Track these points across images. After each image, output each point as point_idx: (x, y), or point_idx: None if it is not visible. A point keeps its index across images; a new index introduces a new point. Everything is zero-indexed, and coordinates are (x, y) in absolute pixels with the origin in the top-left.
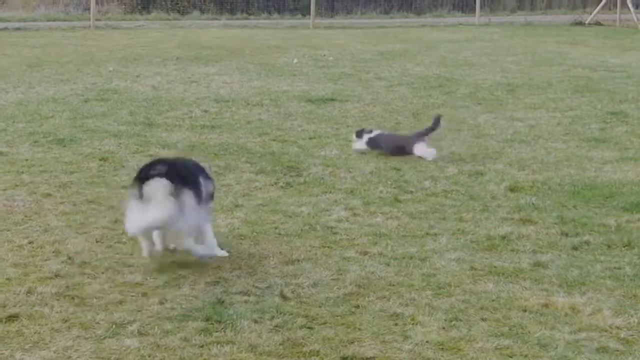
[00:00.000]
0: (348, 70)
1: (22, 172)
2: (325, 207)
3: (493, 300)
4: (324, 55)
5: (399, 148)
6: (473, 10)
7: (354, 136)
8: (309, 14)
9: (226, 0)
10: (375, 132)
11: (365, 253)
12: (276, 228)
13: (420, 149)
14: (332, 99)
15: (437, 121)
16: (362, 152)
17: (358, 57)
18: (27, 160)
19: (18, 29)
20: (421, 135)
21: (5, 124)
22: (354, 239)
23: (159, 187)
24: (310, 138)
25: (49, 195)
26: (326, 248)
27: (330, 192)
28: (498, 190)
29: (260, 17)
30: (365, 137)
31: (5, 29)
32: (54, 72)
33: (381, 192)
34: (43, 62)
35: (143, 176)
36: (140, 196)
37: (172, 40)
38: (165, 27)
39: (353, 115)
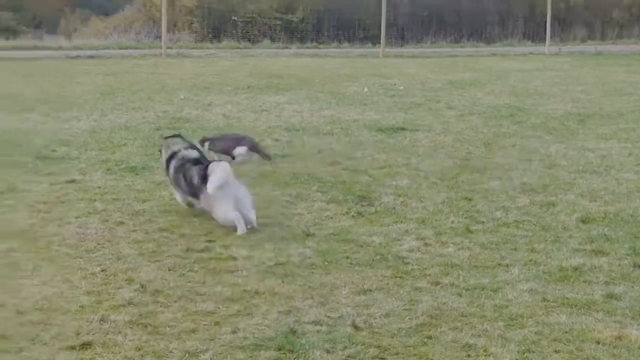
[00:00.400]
0: (418, 99)
1: (95, 200)
2: (396, 236)
3: (566, 332)
4: (394, 84)
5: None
6: (543, 39)
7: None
8: (379, 43)
9: (296, 29)
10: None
11: (437, 283)
12: (347, 257)
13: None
14: (403, 129)
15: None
16: None
17: (428, 86)
18: (99, 187)
19: (91, 56)
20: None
21: (79, 151)
22: (426, 269)
23: None
24: (381, 167)
25: (121, 223)
26: (398, 278)
27: (402, 222)
28: (570, 221)
29: (331, 46)
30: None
31: (78, 56)
32: (126, 99)
33: (452, 222)
34: (115, 90)
35: None
36: None
37: (243, 69)
38: (236, 56)
39: (424, 145)
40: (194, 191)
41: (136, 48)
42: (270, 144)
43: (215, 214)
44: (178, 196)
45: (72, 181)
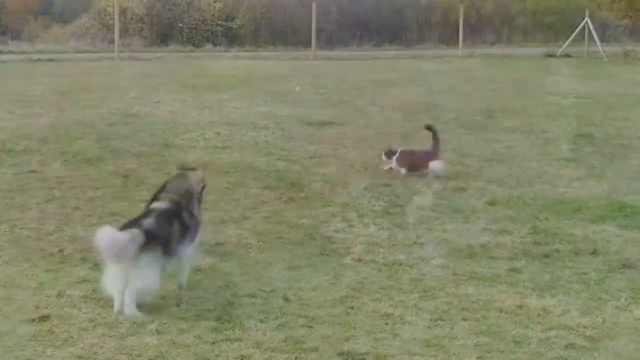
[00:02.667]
0: (345, 97)
1: (54, 188)
2: (324, 219)
3: (473, 302)
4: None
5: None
6: (456, 44)
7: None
8: (311, 46)
9: (236, 34)
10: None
11: (360, 260)
12: (280, 238)
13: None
14: (331, 123)
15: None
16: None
17: (354, 85)
18: (58, 177)
19: (51, 60)
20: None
21: (39, 145)
22: (350, 247)
23: None
24: (310, 157)
25: (77, 208)
26: (325, 256)
27: (329, 206)
28: (478, 204)
29: (267, 50)
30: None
31: (40, 60)
32: (83, 98)
33: (374, 205)
34: (73, 90)
35: None
36: None
37: (188, 70)
38: (182, 58)
39: (349, 137)
40: None
41: (92, 52)
42: (212, 137)
43: None
44: None
45: (33, 171)
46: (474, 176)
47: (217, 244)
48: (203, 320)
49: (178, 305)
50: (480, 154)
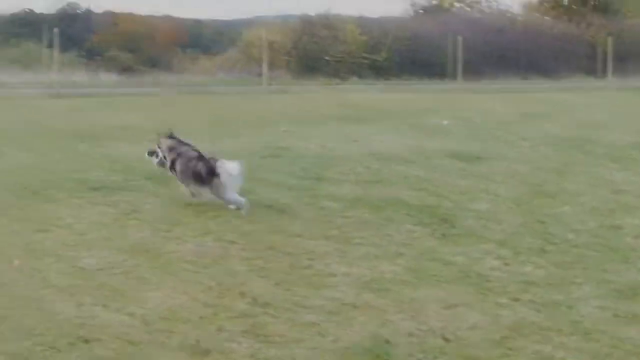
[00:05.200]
0: (493, 130)
1: (210, 221)
2: (478, 256)
3: (637, 346)
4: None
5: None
6: (605, 75)
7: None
8: (456, 79)
9: (381, 67)
10: None
11: (517, 300)
12: (434, 275)
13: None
14: (480, 157)
15: None
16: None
17: (501, 119)
18: (213, 210)
19: (200, 92)
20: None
21: None
22: (506, 286)
23: None
24: (461, 193)
25: (233, 242)
26: (481, 294)
27: (482, 243)
28: (636, 242)
29: (412, 82)
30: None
31: (189, 92)
32: (233, 130)
33: (529, 243)
34: (223, 122)
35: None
36: None
37: (334, 103)
38: (329, 91)
39: (500, 172)
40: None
41: (239, 84)
42: (362, 171)
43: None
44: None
45: (189, 204)
46: (630, 213)
47: (372, 279)
48: (359, 356)
49: (335, 342)
50: (636, 189)
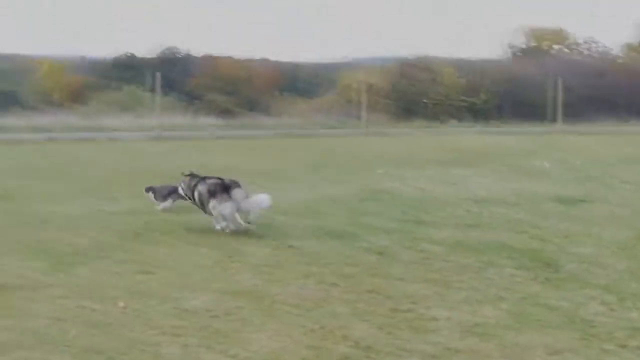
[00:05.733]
0: (594, 173)
1: (311, 264)
2: (582, 301)
3: None
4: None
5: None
6: None
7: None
8: (555, 121)
9: (479, 109)
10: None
11: (624, 346)
12: (538, 320)
13: None
14: (582, 200)
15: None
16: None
17: (603, 162)
18: (314, 252)
19: (298, 135)
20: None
21: (294, 219)
22: (612, 332)
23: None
24: (564, 236)
25: (334, 284)
26: (586, 340)
27: (586, 288)
28: None
29: (510, 125)
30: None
31: (288, 135)
32: (331, 173)
33: (634, 288)
34: (321, 165)
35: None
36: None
37: (433, 146)
38: (427, 134)
39: (602, 216)
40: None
41: (337, 127)
42: (462, 214)
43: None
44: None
45: (290, 246)
46: None
47: (475, 324)
48: None
49: None
50: None
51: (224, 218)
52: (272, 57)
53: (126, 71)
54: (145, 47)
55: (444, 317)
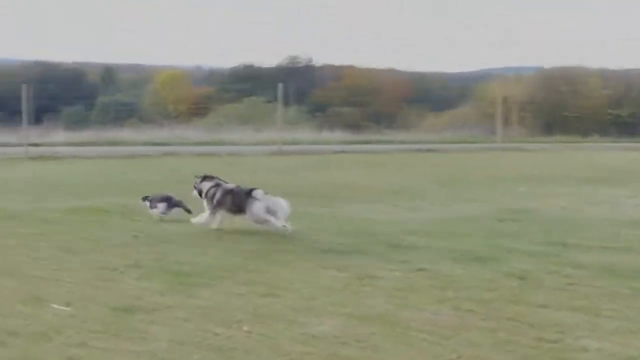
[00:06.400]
0: None
1: (445, 288)
2: None
3: None
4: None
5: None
6: None
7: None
8: None
9: (625, 123)
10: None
11: None
12: None
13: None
14: None
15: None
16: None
17: None
18: (448, 276)
19: (429, 150)
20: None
21: (426, 240)
22: None
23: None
24: None
25: (471, 311)
26: None
27: None
28: None
29: None
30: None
31: (418, 150)
32: (464, 191)
33: None
34: (453, 182)
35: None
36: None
37: (576, 162)
38: (568, 149)
39: None
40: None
41: (470, 142)
42: (610, 236)
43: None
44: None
45: (423, 269)
46: None
47: (629, 357)
48: None
49: None
50: None
51: (259, 220)
52: (399, 67)
53: (245, 82)
54: (264, 57)
55: (594, 348)
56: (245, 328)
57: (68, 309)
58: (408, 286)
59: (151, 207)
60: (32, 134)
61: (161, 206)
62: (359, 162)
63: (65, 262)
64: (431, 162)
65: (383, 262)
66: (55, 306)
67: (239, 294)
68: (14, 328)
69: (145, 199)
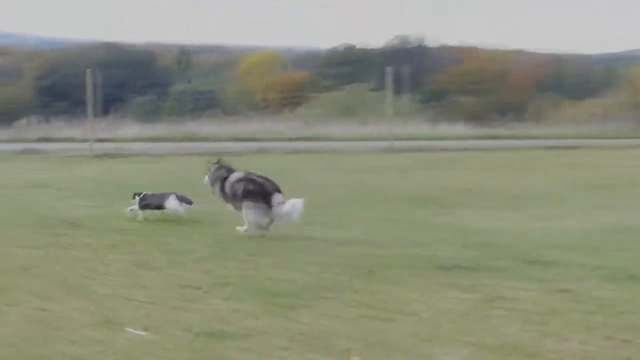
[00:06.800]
0: None
1: (594, 313)
2: None
3: None
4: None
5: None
6: None
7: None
8: None
9: None
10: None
11: None
12: None
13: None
14: None
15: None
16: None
17: None
18: (597, 299)
19: (565, 146)
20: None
21: (568, 255)
22: None
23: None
24: None
25: (628, 341)
26: None
27: None
28: None
29: None
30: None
31: (555, 146)
32: (609, 196)
33: None
34: (595, 185)
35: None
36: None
37: None
38: None
39: None
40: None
41: (617, 138)
42: None
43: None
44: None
45: (566, 290)
46: None
47: None
48: None
49: None
50: None
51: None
52: (529, 48)
53: (347, 66)
54: (368, 36)
55: None
56: (354, 358)
57: (145, 333)
58: (548, 310)
59: (166, 206)
60: (98, 127)
61: (175, 203)
62: (483, 161)
63: (141, 279)
64: (568, 162)
65: (517, 280)
66: (131, 330)
67: (346, 318)
68: (83, 356)
69: (136, 196)
